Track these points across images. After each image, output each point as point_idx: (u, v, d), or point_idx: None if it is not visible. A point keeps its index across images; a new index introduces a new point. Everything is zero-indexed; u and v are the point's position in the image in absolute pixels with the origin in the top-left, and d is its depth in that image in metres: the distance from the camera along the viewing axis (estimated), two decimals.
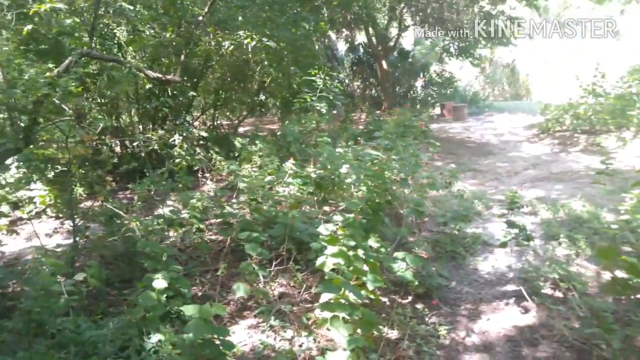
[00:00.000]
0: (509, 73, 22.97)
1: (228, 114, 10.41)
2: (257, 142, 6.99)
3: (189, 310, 2.20)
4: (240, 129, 10.69)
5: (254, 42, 6.16)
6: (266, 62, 7.92)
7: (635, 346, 2.79)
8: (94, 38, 4.81)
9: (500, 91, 23.42)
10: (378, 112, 18.78)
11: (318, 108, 5.58)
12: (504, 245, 3.81)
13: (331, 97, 6.06)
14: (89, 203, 4.37)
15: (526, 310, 3.32)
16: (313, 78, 6.84)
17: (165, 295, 2.57)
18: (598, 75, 11.24)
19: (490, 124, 14.18)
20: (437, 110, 17.08)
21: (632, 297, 2.95)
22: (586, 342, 2.87)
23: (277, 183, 5.14)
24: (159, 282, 2.49)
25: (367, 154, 5.72)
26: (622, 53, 22.28)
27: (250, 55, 8.01)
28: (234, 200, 5.00)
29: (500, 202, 5.88)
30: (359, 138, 7.75)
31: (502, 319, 3.25)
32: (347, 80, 22.74)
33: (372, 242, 3.19)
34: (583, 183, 6.57)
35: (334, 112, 19.10)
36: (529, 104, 18.58)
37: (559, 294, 3.45)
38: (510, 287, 3.66)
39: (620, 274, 2.87)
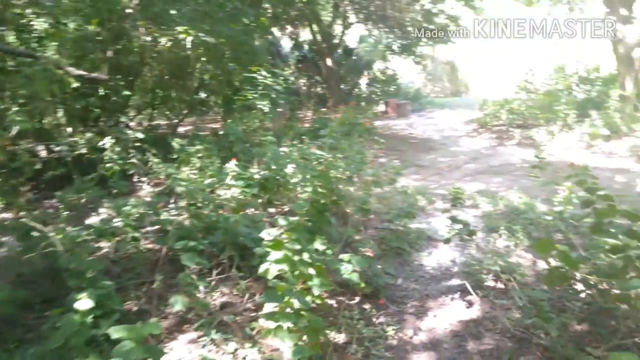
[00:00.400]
0: (448, 70, 23.77)
1: (167, 113, 9.96)
2: (197, 142, 6.73)
3: (116, 332, 2.00)
4: (181, 129, 10.29)
5: (191, 38, 5.87)
6: (204, 59, 7.62)
7: (570, 332, 2.89)
8: (4, 29, 4.36)
9: (440, 88, 24.19)
10: (324, 109, 18.89)
11: (260, 106, 5.38)
12: (447, 241, 3.84)
13: (274, 95, 5.88)
14: (6, 215, 3.97)
15: (470, 304, 3.36)
16: (254, 75, 6.61)
17: (92, 316, 2.33)
18: (529, 73, 11.81)
19: (432, 120, 14.57)
20: (382, 107, 17.32)
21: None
22: (526, 331, 2.93)
23: (219, 186, 4.94)
24: (84, 302, 2.25)
25: (313, 154, 5.64)
26: (550, 52, 23.68)
27: (189, 52, 7.72)
28: (172, 206, 4.73)
29: (442, 196, 5.99)
30: (303, 137, 7.63)
31: (448, 315, 3.27)
32: (292, 78, 22.61)
33: (318, 245, 3.10)
34: (519, 175, 6.85)
35: (279, 110, 18.95)
36: (468, 100, 19.31)
37: (500, 286, 3.52)
38: (455, 282, 3.70)
39: (555, 263, 2.96)
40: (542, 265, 3.69)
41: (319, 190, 4.22)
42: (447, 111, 16.29)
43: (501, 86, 23.86)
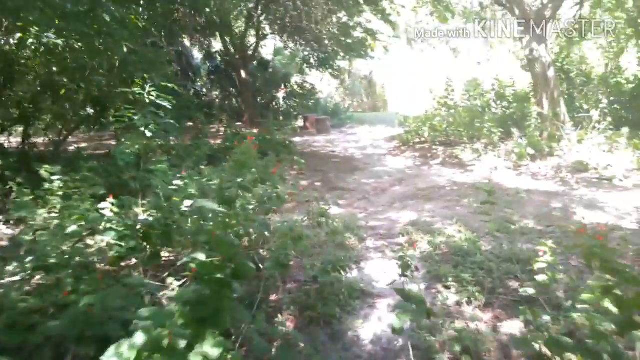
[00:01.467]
0: (366, 85, 23.74)
1: (45, 130, 8.25)
2: (82, 166, 5.34)
3: None
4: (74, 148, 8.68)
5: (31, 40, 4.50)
6: (56, 69, 6.18)
7: None
8: None
9: (359, 102, 24.07)
10: (239, 123, 17.70)
11: (142, 129, 4.20)
12: (397, 332, 2.88)
13: (162, 115, 4.70)
14: None
15: None
16: (131, 90, 5.24)
17: None
18: (448, 89, 11.64)
19: (353, 136, 14.03)
20: (300, 123, 16.55)
21: None
22: None
23: (87, 234, 3.68)
24: None
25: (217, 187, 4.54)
26: (464, 67, 24.60)
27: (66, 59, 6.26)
28: (13, 266, 3.38)
29: (373, 230, 5.20)
30: (203, 167, 6.52)
31: None
32: (204, 90, 21.22)
33: (209, 348, 2.04)
34: (451, 201, 6.27)
35: (190, 124, 17.45)
36: (387, 116, 19.23)
37: None
38: None
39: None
40: (504, 337, 2.94)
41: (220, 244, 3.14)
42: (367, 127, 15.92)
43: (419, 102, 24.39)
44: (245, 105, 17.51)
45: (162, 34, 19.46)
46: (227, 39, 17.19)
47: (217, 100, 20.62)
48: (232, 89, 19.67)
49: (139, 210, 4.11)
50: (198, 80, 21.22)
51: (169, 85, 5.17)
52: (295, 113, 18.02)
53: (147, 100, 4.48)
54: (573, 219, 5.10)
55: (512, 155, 8.09)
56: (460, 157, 8.85)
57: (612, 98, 9.42)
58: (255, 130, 15.26)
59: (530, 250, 4.13)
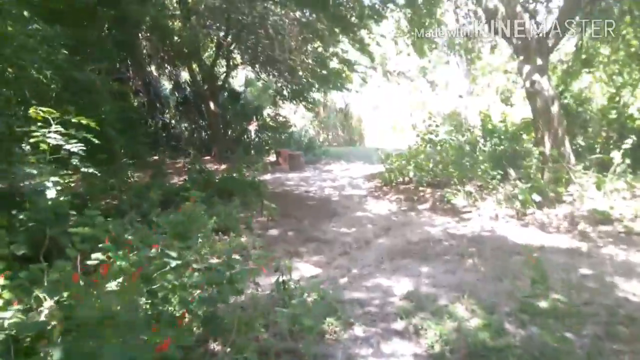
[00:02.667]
0: (342, 118, 22.93)
1: None
2: None
3: None
4: None
5: None
6: None
7: None
8: None
9: (334, 136, 23.19)
10: (208, 157, 16.42)
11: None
12: None
13: (77, 161, 3.48)
14: None
15: None
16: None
17: None
18: (432, 124, 10.74)
19: (329, 174, 12.94)
20: (273, 158, 15.40)
21: None
22: None
23: None
24: None
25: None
26: (444, 101, 24.19)
27: None
28: None
29: (360, 306, 3.97)
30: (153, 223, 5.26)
31: None
32: (173, 122, 19.98)
33: None
34: (452, 263, 5.13)
35: (155, 157, 16.06)
36: (364, 151, 18.33)
37: None
38: None
39: None
40: None
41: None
42: (344, 163, 14.88)
43: (397, 137, 23.66)
44: (213, 138, 16.30)
45: (129, 63, 18.46)
46: (196, 69, 16.15)
47: (186, 133, 19.41)
48: (201, 121, 18.52)
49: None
50: (167, 111, 20.03)
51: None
52: (267, 147, 16.88)
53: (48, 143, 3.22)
54: (615, 293, 4.01)
55: (514, 201, 7.07)
56: (453, 201, 7.80)
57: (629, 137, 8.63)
58: (223, 166, 14.02)
59: (576, 346, 3.00)
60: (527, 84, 7.95)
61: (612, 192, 6.66)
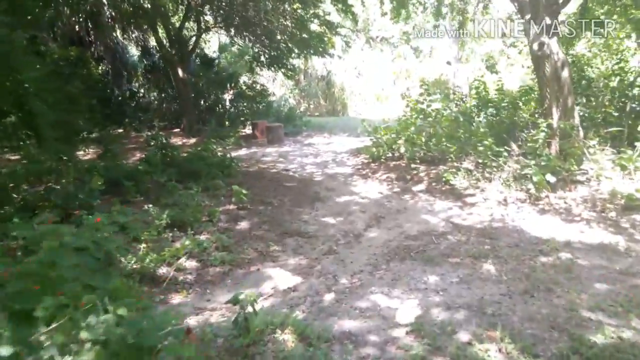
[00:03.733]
0: (324, 87, 21.53)
1: None
2: None
3: None
4: None
5: None
6: None
7: None
8: None
9: (316, 105, 21.84)
10: (178, 130, 15.06)
11: None
12: None
13: None
14: None
15: None
16: None
17: None
18: (424, 92, 9.59)
19: (310, 148, 11.77)
20: (249, 130, 14.13)
21: None
22: None
23: None
24: None
25: None
26: (430, 68, 22.96)
27: None
28: None
29: (354, 345, 2.93)
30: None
31: None
32: (142, 91, 18.40)
33: None
34: (465, 267, 4.12)
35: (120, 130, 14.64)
36: (348, 121, 17.12)
37: None
38: None
39: None
40: None
41: None
42: (327, 136, 13.69)
43: (381, 105, 22.44)
44: (183, 109, 14.88)
45: (89, 26, 16.65)
46: (163, 33, 14.54)
47: (155, 103, 17.88)
48: (170, 90, 16.99)
49: None
50: (135, 80, 18.41)
51: None
52: (243, 119, 15.53)
53: None
54: None
55: (524, 182, 6.08)
56: (452, 182, 6.78)
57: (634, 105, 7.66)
58: (192, 140, 12.71)
59: None
60: (535, 46, 6.85)
61: (637, 172, 5.71)
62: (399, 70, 23.53)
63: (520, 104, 9.14)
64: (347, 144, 12.04)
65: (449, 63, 17.71)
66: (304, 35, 13.40)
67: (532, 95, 9.64)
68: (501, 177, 6.45)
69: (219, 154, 8.84)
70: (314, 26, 13.87)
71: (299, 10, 13.13)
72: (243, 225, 5.65)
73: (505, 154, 6.85)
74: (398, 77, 23.36)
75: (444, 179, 6.95)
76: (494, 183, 6.43)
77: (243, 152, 11.26)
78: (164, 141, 8.93)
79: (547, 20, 6.71)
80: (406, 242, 4.94)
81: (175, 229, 5.23)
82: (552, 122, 6.81)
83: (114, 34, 17.66)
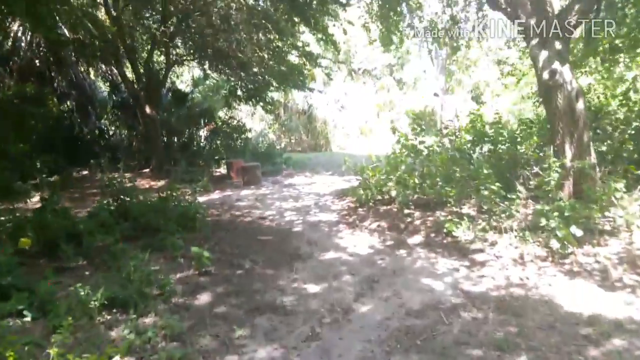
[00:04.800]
0: (305, 121, 20.74)
1: None
2: None
3: None
4: None
5: None
6: None
7: None
8: None
9: (297, 140, 20.99)
10: (147, 170, 13.91)
11: None
12: None
13: None
14: None
15: None
16: None
17: None
18: (416, 127, 8.74)
19: (291, 189, 10.75)
20: (224, 169, 13.07)
21: None
22: None
23: None
24: None
25: None
26: (414, 101, 22.41)
27: None
28: None
29: None
30: None
31: None
32: (113, 129, 17.32)
33: None
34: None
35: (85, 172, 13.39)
36: (331, 157, 16.25)
37: None
38: None
39: None
40: None
41: None
42: (309, 175, 12.72)
43: (365, 140, 21.71)
44: (152, 148, 13.79)
45: (51, 60, 15.64)
46: (128, 66, 13.63)
47: (125, 142, 16.78)
48: (141, 127, 15.94)
49: None
50: (105, 116, 17.32)
51: None
52: (217, 157, 14.48)
53: None
54: None
55: (541, 234, 5.11)
56: (455, 233, 5.78)
57: None
58: (161, 183, 11.59)
59: None
60: (545, 75, 6.04)
61: None
62: (382, 103, 22.97)
63: (519, 138, 8.34)
64: (331, 183, 11.07)
65: (436, 95, 17.12)
66: (282, 68, 12.62)
67: (533, 129, 8.88)
68: (513, 228, 5.47)
69: (186, 200, 7.76)
70: (293, 57, 13.14)
71: (276, 42, 12.40)
72: (203, 298, 4.51)
73: (519, 200, 5.88)
74: (382, 109, 22.77)
75: (445, 230, 5.95)
76: (504, 235, 5.44)
77: (216, 195, 10.18)
78: (121, 186, 7.78)
79: (557, 46, 5.93)
80: (408, 322, 3.87)
81: (114, 310, 4.08)
82: (565, 160, 5.93)
83: (80, 68, 16.68)
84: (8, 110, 11.64)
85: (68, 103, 15.96)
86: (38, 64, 14.78)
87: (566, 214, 4.90)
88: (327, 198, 9.34)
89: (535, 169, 7.11)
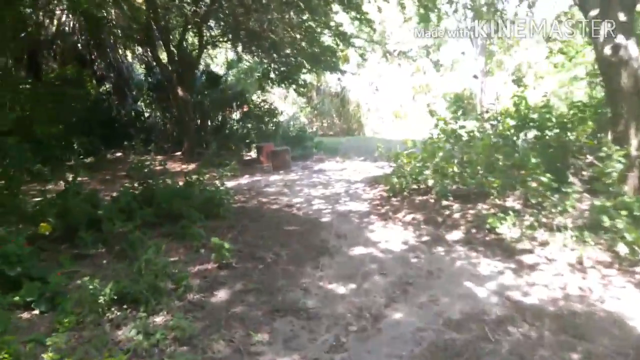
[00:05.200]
0: (338, 104, 20.13)
1: None
2: None
3: None
4: None
5: None
6: None
7: None
8: None
9: (329, 124, 20.45)
10: (179, 153, 13.78)
11: None
12: None
13: None
14: None
15: None
16: None
17: None
18: (456, 110, 8.07)
19: (321, 175, 10.32)
20: (255, 153, 12.76)
21: None
22: None
23: None
24: None
25: None
26: (451, 84, 21.41)
27: None
28: None
29: None
30: None
31: None
32: (148, 111, 17.32)
33: None
34: None
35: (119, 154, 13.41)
36: (364, 142, 15.68)
37: None
38: None
39: None
40: None
41: None
42: (340, 160, 12.24)
43: (400, 124, 20.95)
44: (183, 131, 13.63)
45: (91, 44, 15.76)
46: (162, 48, 13.44)
47: (161, 125, 16.74)
48: (174, 109, 15.82)
49: None
50: (141, 99, 17.35)
51: None
52: (248, 141, 14.18)
53: None
54: None
55: (604, 235, 4.48)
56: (498, 230, 5.21)
57: None
58: (191, 166, 11.40)
59: None
60: (607, 50, 5.29)
61: None
62: (418, 85, 22.02)
63: (570, 124, 7.53)
64: (363, 170, 10.56)
65: (475, 77, 16.14)
66: (315, 49, 12.07)
67: (587, 113, 8.03)
68: (567, 226, 4.84)
69: (214, 184, 7.49)
70: (326, 38, 12.56)
71: (308, 22, 11.83)
72: (220, 295, 4.17)
73: (574, 194, 5.23)
74: (418, 92, 21.85)
75: (487, 226, 5.37)
76: (557, 235, 4.82)
77: (245, 180, 9.87)
78: (148, 170, 7.57)
79: (622, 17, 5.17)
80: (446, 335, 3.39)
81: (124, 306, 3.79)
82: (630, 149, 5.21)
83: (119, 51, 16.75)
84: (49, 92, 11.70)
85: (106, 85, 16.09)
86: (80, 48, 14.92)
87: (636, 212, 4.23)
88: (359, 186, 8.85)
89: (590, 158, 6.42)
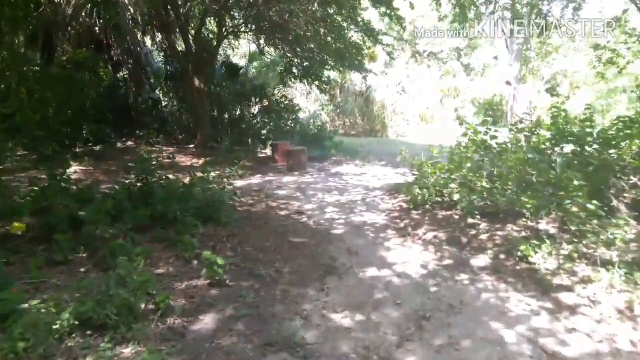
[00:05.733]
0: (362, 103, 19.44)
1: None
2: None
3: None
4: None
5: None
6: None
7: None
8: None
9: (352, 124, 19.79)
10: (192, 146, 13.37)
11: None
12: None
13: None
14: None
15: None
16: None
17: None
18: (487, 118, 7.35)
19: (337, 179, 9.72)
20: (269, 151, 12.25)
21: None
22: None
23: None
24: None
25: None
26: (482, 90, 20.48)
27: None
28: None
29: None
30: None
31: None
32: (166, 100, 17.02)
33: None
34: None
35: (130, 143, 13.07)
36: (387, 145, 15.01)
37: None
38: None
39: None
40: None
41: None
42: (359, 164, 11.61)
43: (425, 127, 20.15)
44: (198, 123, 13.22)
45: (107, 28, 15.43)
46: (179, 36, 13.04)
47: (177, 114, 16.42)
48: (190, 100, 15.43)
49: None
50: (159, 88, 17.06)
51: None
52: (264, 137, 13.68)
53: None
54: None
55: None
56: (532, 259, 4.53)
57: None
58: (202, 161, 10.94)
59: None
60: None
61: None
62: (447, 89, 21.15)
63: (614, 141, 6.73)
64: (383, 176, 9.93)
65: (509, 83, 15.23)
66: (339, 45, 11.45)
67: (634, 129, 7.21)
68: (614, 262, 4.13)
69: (221, 182, 6.98)
70: (353, 34, 11.93)
71: (336, 16, 11.22)
72: (207, 321, 3.62)
73: (621, 222, 4.50)
74: (446, 95, 20.99)
75: (519, 253, 4.69)
76: (602, 271, 4.12)
77: (256, 180, 9.35)
78: (147, 164, 7.07)
79: None
80: None
81: (88, 332, 3.25)
82: None
83: (138, 38, 16.40)
84: (59, 76, 11.41)
85: (123, 71, 15.78)
86: (97, 32, 14.60)
87: None
88: (377, 194, 8.22)
89: (634, 180, 5.68)
